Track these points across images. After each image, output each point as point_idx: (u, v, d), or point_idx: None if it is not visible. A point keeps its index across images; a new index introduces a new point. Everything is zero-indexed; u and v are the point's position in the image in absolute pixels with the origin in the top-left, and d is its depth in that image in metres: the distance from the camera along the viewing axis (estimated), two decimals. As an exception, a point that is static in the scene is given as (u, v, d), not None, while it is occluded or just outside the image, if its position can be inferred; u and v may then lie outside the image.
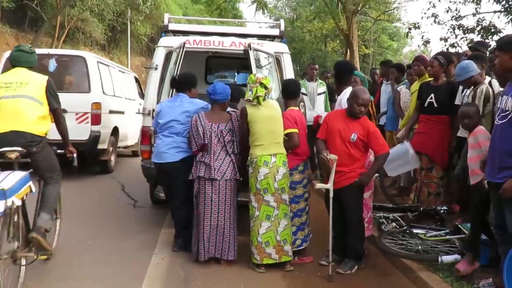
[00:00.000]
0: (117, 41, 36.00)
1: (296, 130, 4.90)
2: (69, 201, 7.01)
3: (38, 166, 4.27)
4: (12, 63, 4.47)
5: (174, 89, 5.60)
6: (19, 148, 4.04)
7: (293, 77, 6.39)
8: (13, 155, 4.03)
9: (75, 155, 4.81)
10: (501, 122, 3.76)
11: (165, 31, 6.78)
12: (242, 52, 6.01)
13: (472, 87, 5.20)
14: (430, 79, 6.05)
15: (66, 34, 27.41)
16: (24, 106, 4.20)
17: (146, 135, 6.11)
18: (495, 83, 5.29)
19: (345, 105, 4.99)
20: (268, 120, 4.83)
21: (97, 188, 7.56)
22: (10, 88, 4.23)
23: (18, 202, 3.79)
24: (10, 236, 3.83)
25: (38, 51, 5.50)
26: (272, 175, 4.74)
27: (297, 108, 5.15)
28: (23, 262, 4.06)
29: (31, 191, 4.07)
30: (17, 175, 3.84)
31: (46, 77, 4.47)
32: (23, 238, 4.03)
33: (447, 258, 4.52)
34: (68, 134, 4.70)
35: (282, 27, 6.95)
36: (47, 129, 4.35)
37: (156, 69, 6.30)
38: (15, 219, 3.88)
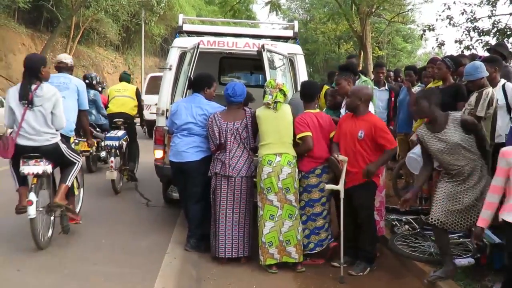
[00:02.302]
0: (131, 42, 36.30)
1: (309, 134, 4.85)
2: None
3: (129, 129, 8.46)
4: (120, 79, 9.09)
5: (190, 90, 5.62)
6: (122, 120, 8.34)
7: (307, 79, 6.39)
8: (119, 123, 8.32)
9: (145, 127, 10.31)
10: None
11: (179, 32, 6.81)
12: (256, 53, 6.02)
13: (477, 89, 5.15)
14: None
15: (81, 35, 27.70)
16: (126, 100, 8.55)
17: (160, 135, 6.13)
18: (509, 85, 5.26)
19: None
20: (274, 119, 4.88)
21: (110, 187, 7.62)
22: (119, 92, 8.66)
23: (124, 143, 8.15)
24: (118, 158, 8.02)
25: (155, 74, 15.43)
26: (275, 174, 4.76)
27: (315, 111, 5.06)
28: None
29: (127, 140, 8.28)
30: (121, 132, 8.16)
31: (135, 86, 9.08)
32: (123, 160, 8.27)
33: (460, 261, 4.49)
34: (143, 115, 9.08)
35: (296, 28, 6.93)
36: (135, 113, 8.61)
37: (170, 69, 6.33)
38: (122, 151, 8.14)
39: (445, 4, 13.23)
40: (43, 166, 4.90)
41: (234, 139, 4.98)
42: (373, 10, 19.18)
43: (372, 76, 8.77)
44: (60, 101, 5.00)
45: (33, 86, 4.87)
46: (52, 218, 5.25)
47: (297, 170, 4.89)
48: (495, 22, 12.73)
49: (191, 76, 5.60)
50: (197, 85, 5.41)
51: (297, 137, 4.89)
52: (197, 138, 5.23)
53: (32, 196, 4.76)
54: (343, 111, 5.37)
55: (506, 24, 12.51)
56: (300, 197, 4.94)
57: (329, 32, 31.15)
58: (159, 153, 6.16)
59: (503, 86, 5.27)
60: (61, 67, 6.09)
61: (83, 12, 26.10)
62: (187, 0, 36.20)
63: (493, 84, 5.19)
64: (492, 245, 4.44)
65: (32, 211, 4.72)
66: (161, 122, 6.22)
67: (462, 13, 13.15)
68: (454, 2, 13.32)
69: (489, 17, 12.98)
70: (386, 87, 8.13)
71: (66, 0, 25.31)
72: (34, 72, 4.92)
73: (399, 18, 24.17)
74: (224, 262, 4.96)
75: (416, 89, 7.38)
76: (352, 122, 4.80)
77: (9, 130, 5.12)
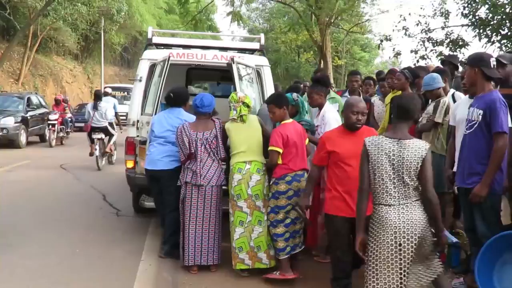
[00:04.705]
0: (90, 51, 35.84)
1: (277, 149, 4.76)
2: (50, 211, 7.14)
3: None
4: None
5: (166, 103, 5.74)
6: None
7: (273, 90, 6.62)
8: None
9: None
10: (468, 131, 4.09)
11: (148, 44, 6.95)
12: (225, 65, 6.22)
13: (434, 98, 5.53)
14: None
15: (39, 44, 27.19)
16: None
17: (131, 146, 6.23)
18: (458, 94, 5.69)
19: (329, 120, 5.09)
20: (245, 130, 5.02)
21: (77, 198, 7.65)
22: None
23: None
24: None
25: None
26: (245, 181, 4.90)
27: (289, 121, 4.97)
28: None
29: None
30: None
31: None
32: None
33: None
34: None
35: (263, 41, 7.17)
36: None
37: (140, 81, 6.45)
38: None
39: (401, 16, 13.85)
40: (102, 135, 11.39)
41: (204, 149, 5.08)
42: (332, 21, 19.69)
43: (334, 85, 8.99)
44: (109, 109, 11.60)
45: (99, 102, 11.35)
46: (103, 158, 11.69)
47: (266, 177, 5.01)
48: (448, 33, 13.38)
49: (170, 93, 5.56)
50: (179, 100, 5.53)
51: (269, 148, 4.88)
52: (173, 147, 5.32)
53: (97, 147, 11.29)
54: (315, 120, 5.53)
55: (458, 35, 13.18)
56: (268, 203, 4.94)
57: (289, 42, 31.65)
58: (130, 163, 6.26)
59: (453, 95, 5.71)
60: (106, 93, 13.38)
61: (40, 21, 25.61)
62: (147, 9, 36.07)
63: (444, 93, 5.61)
64: (450, 245, 4.76)
65: (97, 152, 11.28)
66: (132, 132, 6.33)
67: (417, 24, 13.76)
68: (410, 14, 13.95)
69: (443, 28, 13.62)
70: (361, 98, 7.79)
71: (23, 8, 24.82)
72: (99, 97, 11.52)
73: (357, 28, 24.87)
74: (195, 270, 5.05)
75: (374, 98, 7.65)
76: (348, 141, 4.08)
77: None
